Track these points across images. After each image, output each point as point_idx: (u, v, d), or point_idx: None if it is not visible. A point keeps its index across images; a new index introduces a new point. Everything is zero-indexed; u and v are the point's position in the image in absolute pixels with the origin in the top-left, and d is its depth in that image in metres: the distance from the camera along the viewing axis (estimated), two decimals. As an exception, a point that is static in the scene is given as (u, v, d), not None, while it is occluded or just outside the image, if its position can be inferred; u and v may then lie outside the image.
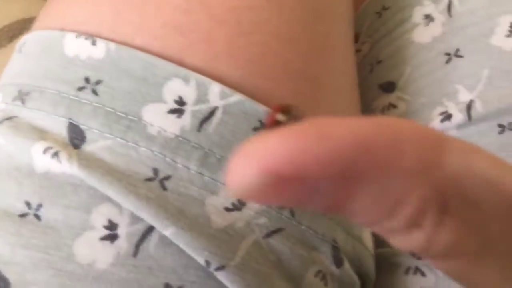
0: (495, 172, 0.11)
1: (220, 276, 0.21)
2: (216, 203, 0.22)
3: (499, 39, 0.29)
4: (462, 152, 0.11)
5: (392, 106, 0.31)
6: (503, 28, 0.29)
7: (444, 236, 0.11)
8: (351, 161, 0.10)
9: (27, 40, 0.26)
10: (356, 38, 0.35)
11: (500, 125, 0.28)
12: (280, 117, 0.12)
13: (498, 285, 0.12)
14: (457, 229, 0.11)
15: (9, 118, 0.24)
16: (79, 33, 0.24)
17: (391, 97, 0.31)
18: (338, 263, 0.25)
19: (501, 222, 0.11)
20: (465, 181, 0.11)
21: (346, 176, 0.11)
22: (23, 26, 0.42)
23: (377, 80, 0.33)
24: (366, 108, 0.33)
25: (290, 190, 0.11)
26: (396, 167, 0.11)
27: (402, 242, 0.12)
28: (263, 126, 0.13)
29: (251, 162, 0.10)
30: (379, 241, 0.28)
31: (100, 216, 0.21)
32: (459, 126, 0.28)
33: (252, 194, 0.11)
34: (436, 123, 0.28)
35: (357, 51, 0.35)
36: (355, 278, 0.26)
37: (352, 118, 0.11)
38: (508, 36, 0.29)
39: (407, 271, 0.28)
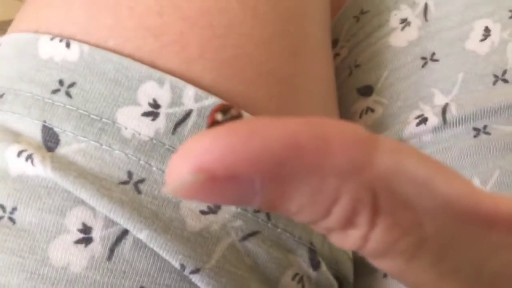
0: (426, 172, 0.11)
1: (195, 279, 0.21)
2: (191, 206, 0.22)
3: (473, 44, 0.30)
4: (393, 152, 0.11)
5: (370, 109, 0.31)
6: (478, 33, 0.30)
7: (377, 236, 0.11)
8: (280, 160, 0.11)
9: (2, 42, 0.26)
10: (335, 43, 0.35)
11: (475, 128, 0.28)
12: (218, 116, 0.13)
13: (435, 284, 0.12)
14: (390, 229, 0.11)
15: (-18, 121, 0.23)
16: (53, 36, 0.24)
17: (369, 101, 0.32)
18: (315, 266, 0.25)
19: (434, 221, 0.11)
20: (396, 181, 0.11)
21: (277, 175, 0.11)
22: (2, 28, 0.42)
23: (355, 84, 0.33)
24: (346, 111, 0.33)
25: (224, 189, 0.11)
26: (326, 167, 0.11)
27: (340, 240, 0.12)
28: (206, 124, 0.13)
29: (185, 160, 0.11)
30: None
31: (74, 219, 0.21)
32: (435, 130, 0.28)
33: (186, 192, 0.11)
34: (412, 127, 0.29)
35: (336, 55, 0.35)
36: (333, 280, 0.26)
37: (286, 117, 0.11)
38: (482, 40, 0.29)
39: (386, 274, 0.28)
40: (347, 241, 0.12)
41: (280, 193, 0.11)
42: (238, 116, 0.13)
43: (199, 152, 0.11)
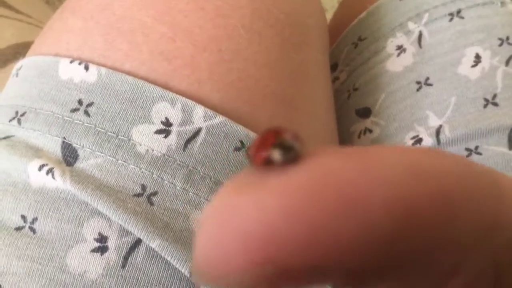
0: None
1: (204, 287, 0.23)
2: (199, 217, 0.23)
3: (465, 69, 0.31)
4: None
5: (368, 130, 0.33)
6: (469, 59, 0.32)
7: None
8: (392, 243, 0.07)
9: (24, 64, 0.28)
10: (335, 67, 0.37)
11: (467, 149, 0.30)
12: (276, 155, 0.08)
13: None
14: None
15: (6, 138, 0.25)
16: (73, 59, 0.26)
17: (367, 122, 0.33)
18: None
19: None
20: None
21: (384, 260, 0.07)
22: (16, 50, 0.44)
23: (354, 106, 0.35)
24: (345, 132, 0.35)
25: (298, 278, 0.07)
26: (448, 239, 0.08)
27: None
28: (248, 157, 0.09)
29: (243, 248, 0.07)
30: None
31: (91, 229, 0.23)
32: None
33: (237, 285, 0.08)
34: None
35: (336, 78, 0.37)
36: None
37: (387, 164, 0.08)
38: (473, 66, 0.31)
39: None
40: None
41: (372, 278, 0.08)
42: (299, 151, 0.08)
43: (264, 238, 0.07)
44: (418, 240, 0.07)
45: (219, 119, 0.24)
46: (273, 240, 0.07)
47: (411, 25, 0.34)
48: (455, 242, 0.08)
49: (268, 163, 0.08)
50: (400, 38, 0.34)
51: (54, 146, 0.24)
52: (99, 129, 0.24)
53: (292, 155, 0.08)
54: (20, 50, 0.43)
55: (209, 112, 0.24)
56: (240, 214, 0.07)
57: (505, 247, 0.08)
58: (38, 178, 0.23)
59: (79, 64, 0.25)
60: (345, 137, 0.34)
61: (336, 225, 0.07)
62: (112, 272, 0.22)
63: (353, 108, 0.35)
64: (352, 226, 0.07)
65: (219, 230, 0.08)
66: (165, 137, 0.24)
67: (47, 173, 0.23)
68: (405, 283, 0.08)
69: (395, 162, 0.08)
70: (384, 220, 0.07)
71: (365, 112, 0.34)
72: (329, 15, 0.33)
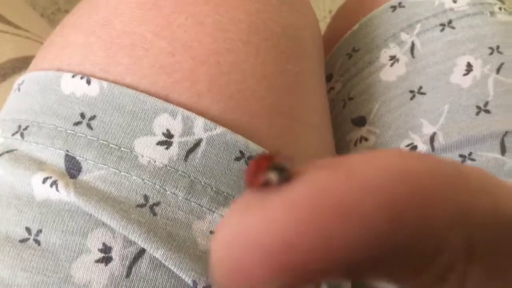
0: None
1: None
2: (202, 227, 0.24)
3: (457, 77, 0.32)
4: (485, 188, 0.10)
5: (364, 138, 0.34)
6: (461, 68, 0.32)
7: (468, 286, 0.10)
8: (385, 238, 0.09)
9: (26, 79, 0.28)
10: (330, 77, 0.38)
11: (461, 155, 0.30)
12: (272, 176, 0.10)
13: None
14: (481, 277, 0.10)
15: (9, 151, 0.25)
16: (75, 73, 0.26)
17: (363, 131, 0.34)
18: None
19: None
20: (493, 225, 0.10)
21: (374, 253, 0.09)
22: (15, 65, 0.44)
23: (349, 115, 0.35)
24: (341, 140, 0.35)
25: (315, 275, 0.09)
26: (430, 226, 0.09)
27: None
28: (246, 181, 0.10)
29: (263, 258, 0.08)
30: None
31: (95, 240, 0.23)
32: None
33: None
34: None
35: (331, 88, 0.37)
36: None
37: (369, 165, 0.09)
38: (465, 75, 0.32)
39: None
40: None
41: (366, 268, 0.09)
42: (291, 170, 0.10)
43: (278, 248, 0.08)
44: (405, 232, 0.09)
45: (219, 129, 0.25)
46: (285, 248, 0.08)
47: (403, 36, 0.35)
48: (436, 228, 0.09)
49: (265, 184, 0.10)
50: (393, 49, 0.35)
51: (57, 159, 0.24)
52: (102, 141, 0.24)
53: (285, 175, 0.10)
54: (19, 64, 0.44)
55: (209, 123, 0.25)
56: (253, 228, 0.09)
57: (477, 225, 0.10)
58: (42, 190, 0.24)
59: (81, 78, 0.26)
60: (341, 146, 0.35)
61: (338, 230, 0.08)
62: (117, 282, 0.23)
63: (348, 117, 0.35)
64: (349, 229, 0.08)
65: (237, 245, 0.09)
66: (167, 148, 0.24)
67: (51, 185, 0.24)
68: (398, 269, 0.09)
69: (374, 168, 0.09)
70: (377, 221, 0.09)
71: (361, 121, 0.34)
72: (320, 26, 0.34)
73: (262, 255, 0.08)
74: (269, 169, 0.10)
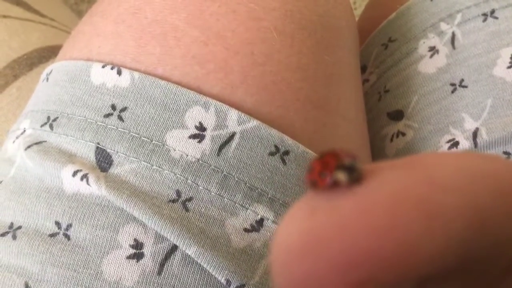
0: None
1: None
2: (235, 224, 0.23)
3: (501, 70, 0.31)
4: None
5: (401, 133, 0.32)
6: (504, 60, 0.31)
7: None
8: (468, 246, 0.08)
9: (54, 69, 0.28)
10: (364, 69, 0.36)
11: (505, 152, 0.29)
12: (340, 176, 0.09)
13: None
14: None
15: (38, 143, 0.25)
16: (105, 63, 0.25)
17: (399, 125, 0.33)
18: None
19: None
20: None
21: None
22: (41, 54, 0.44)
23: (385, 109, 0.34)
24: (375, 135, 0.34)
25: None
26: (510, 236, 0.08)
27: None
28: (309, 182, 0.09)
29: (324, 266, 0.08)
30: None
31: (126, 236, 0.22)
32: None
33: None
34: (443, 150, 0.29)
35: (365, 80, 0.36)
36: None
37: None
38: (509, 67, 0.30)
39: None
40: None
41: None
42: (361, 170, 0.09)
43: (357, 258, 0.07)
44: (489, 240, 0.08)
45: (253, 123, 0.24)
46: (363, 257, 0.08)
47: (443, 26, 0.33)
48: None
49: (333, 185, 0.09)
50: (432, 39, 0.33)
51: (87, 152, 0.24)
52: (133, 134, 0.24)
53: (355, 175, 0.09)
54: (45, 54, 0.43)
55: (243, 116, 0.24)
56: (325, 235, 0.08)
57: None
58: (72, 184, 0.23)
59: (112, 68, 0.25)
60: (376, 140, 0.34)
61: (421, 236, 0.08)
62: (148, 279, 0.22)
63: (384, 111, 0.34)
64: (434, 235, 0.08)
65: (307, 254, 0.08)
66: (199, 142, 0.24)
67: (82, 179, 0.23)
68: (468, 281, 0.09)
69: (454, 169, 0.08)
70: (460, 226, 0.08)
71: (398, 115, 0.33)
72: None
73: (337, 265, 0.08)
74: (337, 169, 0.09)
